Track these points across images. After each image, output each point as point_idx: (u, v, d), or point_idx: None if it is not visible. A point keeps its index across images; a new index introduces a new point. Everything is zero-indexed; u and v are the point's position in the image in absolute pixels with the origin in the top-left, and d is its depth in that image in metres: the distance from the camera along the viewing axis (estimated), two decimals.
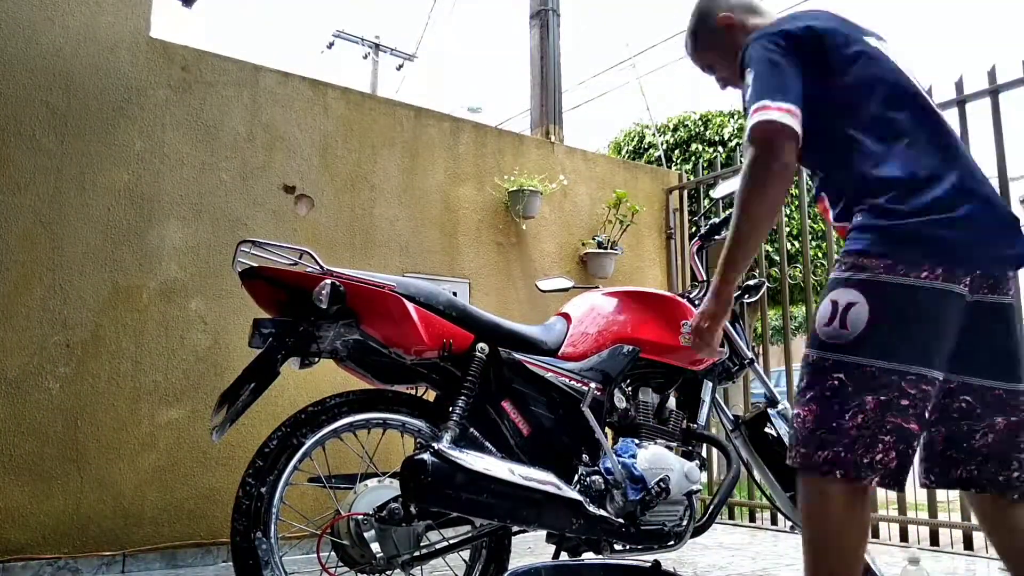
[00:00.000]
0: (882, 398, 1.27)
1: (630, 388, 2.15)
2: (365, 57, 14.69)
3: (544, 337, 2.04)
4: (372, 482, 1.83)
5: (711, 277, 2.25)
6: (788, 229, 7.39)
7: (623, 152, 8.30)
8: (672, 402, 2.18)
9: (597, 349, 2.04)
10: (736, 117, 7.78)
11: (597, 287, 2.33)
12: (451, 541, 1.86)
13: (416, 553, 1.78)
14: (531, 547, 3.23)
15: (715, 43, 1.72)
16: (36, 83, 2.86)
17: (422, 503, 1.68)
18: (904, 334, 1.30)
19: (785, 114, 1.36)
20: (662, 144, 7.74)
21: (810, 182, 7.33)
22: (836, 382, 1.31)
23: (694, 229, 4.81)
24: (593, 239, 4.29)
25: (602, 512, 1.86)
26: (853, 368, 1.30)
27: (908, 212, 1.32)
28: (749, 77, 1.44)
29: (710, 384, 2.24)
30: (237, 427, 2.90)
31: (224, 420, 1.69)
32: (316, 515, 2.90)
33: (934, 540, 3.23)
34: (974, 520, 3.12)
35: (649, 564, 1.96)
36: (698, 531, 2.06)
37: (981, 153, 3.34)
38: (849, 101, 1.45)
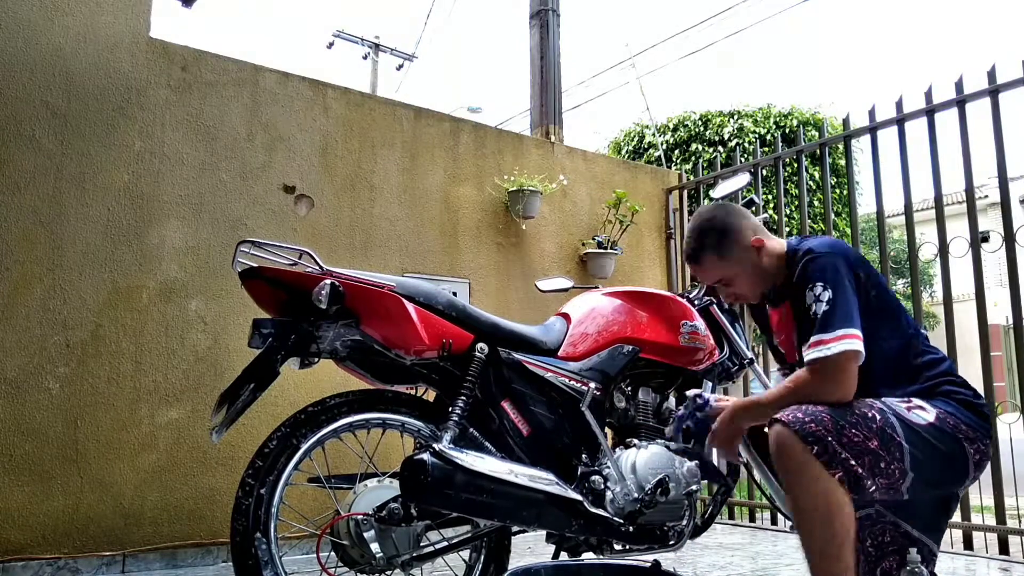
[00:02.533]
0: None
1: (630, 388, 2.15)
2: (365, 57, 14.69)
3: (544, 337, 2.04)
4: (372, 482, 1.83)
5: None
6: (788, 229, 7.39)
7: (623, 152, 8.30)
8: (672, 402, 2.18)
9: (597, 349, 2.04)
10: (736, 117, 7.77)
11: (597, 287, 2.33)
12: (451, 541, 1.86)
13: (416, 553, 1.78)
14: (531, 547, 3.23)
15: (743, 260, 1.82)
16: (36, 83, 2.86)
17: (422, 503, 1.68)
18: None
19: (860, 342, 1.59)
20: (662, 144, 7.74)
21: (810, 182, 7.34)
22: None
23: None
24: (593, 239, 4.28)
25: (602, 512, 1.86)
26: None
27: None
28: (824, 294, 1.62)
29: (710, 384, 2.24)
30: (237, 427, 2.90)
31: (224, 420, 1.69)
32: (316, 515, 2.90)
33: None
34: (975, 520, 3.13)
35: (649, 564, 1.96)
36: (697, 531, 2.06)
37: (981, 153, 3.35)
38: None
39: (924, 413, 1.61)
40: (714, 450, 1.86)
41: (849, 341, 1.57)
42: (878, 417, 1.57)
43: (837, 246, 1.70)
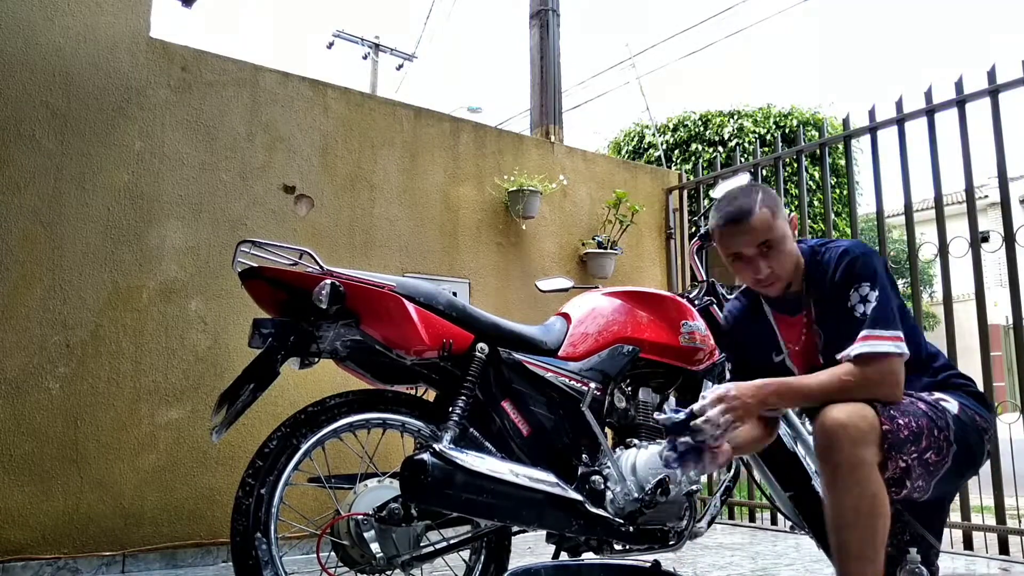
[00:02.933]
0: None
1: (630, 388, 2.15)
2: (365, 57, 14.69)
3: (544, 337, 2.04)
4: (372, 482, 1.83)
5: (711, 277, 2.25)
6: None
7: (623, 152, 8.30)
8: (672, 401, 2.18)
9: (597, 349, 2.04)
10: (735, 117, 7.77)
11: (597, 287, 2.33)
12: (451, 541, 1.86)
13: (416, 553, 1.78)
14: (531, 547, 3.23)
15: (786, 232, 1.76)
16: (36, 83, 2.86)
17: (422, 503, 1.68)
18: None
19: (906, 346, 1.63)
20: (662, 144, 7.74)
21: (810, 182, 7.33)
22: None
23: (694, 229, 4.81)
24: (593, 239, 4.28)
25: (602, 512, 1.86)
26: None
27: None
28: (872, 294, 1.63)
29: (710, 384, 2.24)
30: (237, 427, 2.89)
31: (224, 420, 1.68)
32: (316, 515, 2.90)
33: None
34: (974, 519, 3.12)
35: (649, 564, 1.96)
36: (697, 532, 2.06)
37: (981, 153, 3.35)
38: None
39: (948, 405, 1.61)
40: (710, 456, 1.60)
41: (901, 344, 1.59)
42: (924, 409, 1.58)
43: (869, 247, 1.71)
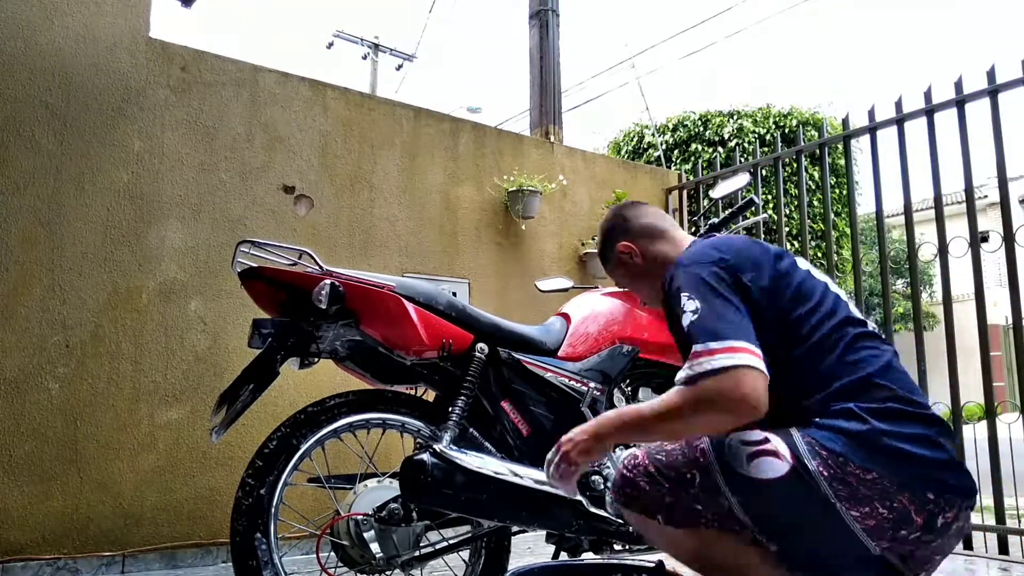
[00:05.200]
0: None
1: (630, 388, 2.15)
2: (364, 57, 14.69)
3: (544, 337, 2.04)
4: (372, 482, 1.83)
5: None
6: (788, 229, 7.39)
7: (622, 152, 8.30)
8: None
9: (597, 349, 2.04)
10: (735, 117, 7.77)
11: (597, 287, 2.33)
12: (451, 541, 1.86)
13: (416, 553, 1.78)
14: (531, 547, 3.22)
15: (622, 268, 1.69)
16: (35, 83, 2.86)
17: (422, 503, 1.68)
18: None
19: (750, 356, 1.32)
20: (661, 144, 7.74)
21: (809, 182, 7.34)
22: None
23: (693, 229, 4.81)
24: (593, 239, 4.28)
25: (602, 512, 1.86)
26: None
27: None
28: (691, 304, 1.37)
29: None
30: (236, 427, 2.90)
31: (223, 421, 1.69)
32: (316, 515, 2.90)
33: None
34: (974, 519, 3.12)
35: (653, 564, 1.96)
36: None
37: (980, 153, 3.35)
38: None
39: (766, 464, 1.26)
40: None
41: (737, 355, 1.25)
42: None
43: (706, 255, 1.42)
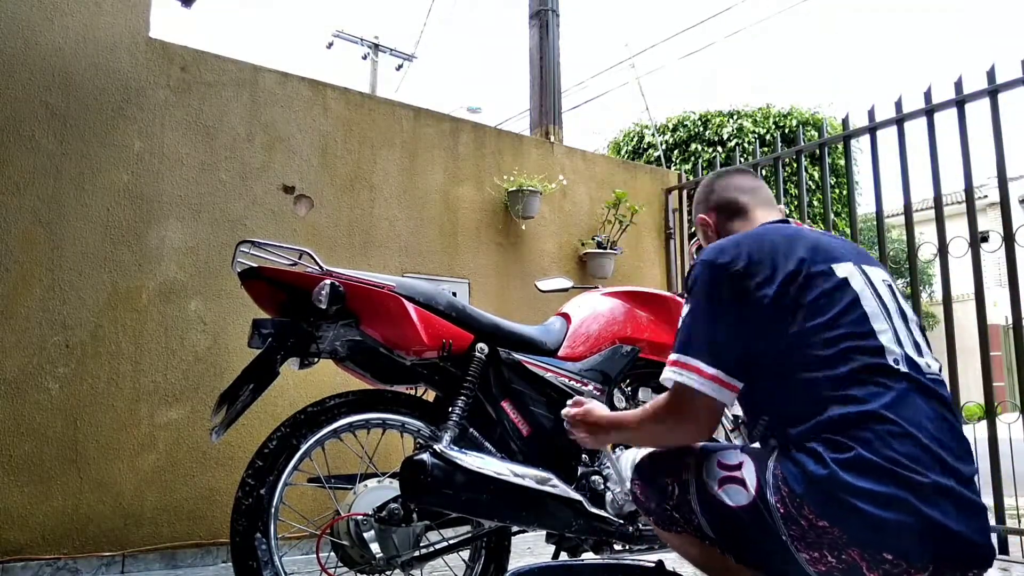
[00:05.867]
0: None
1: (630, 388, 2.15)
2: (364, 57, 14.69)
3: (544, 337, 2.04)
4: (372, 482, 1.83)
5: None
6: None
7: (622, 152, 8.30)
8: None
9: (597, 349, 2.04)
10: (735, 117, 7.77)
11: (596, 287, 2.33)
12: (451, 541, 1.86)
13: (416, 553, 1.78)
14: (531, 547, 3.22)
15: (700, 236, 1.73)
16: (35, 83, 2.86)
17: (422, 503, 1.68)
18: None
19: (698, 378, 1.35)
20: (661, 144, 7.74)
21: (809, 182, 7.33)
22: None
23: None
24: (592, 239, 4.28)
25: (602, 512, 1.86)
26: None
27: None
28: (685, 308, 1.41)
29: None
30: (236, 427, 2.89)
31: (223, 421, 1.68)
32: (316, 515, 2.90)
33: None
34: None
35: (653, 564, 1.96)
36: None
37: (980, 153, 3.35)
38: None
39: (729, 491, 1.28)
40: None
41: (694, 376, 1.28)
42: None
43: (716, 250, 1.37)
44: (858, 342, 1.23)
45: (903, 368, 1.23)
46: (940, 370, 1.31)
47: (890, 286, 1.36)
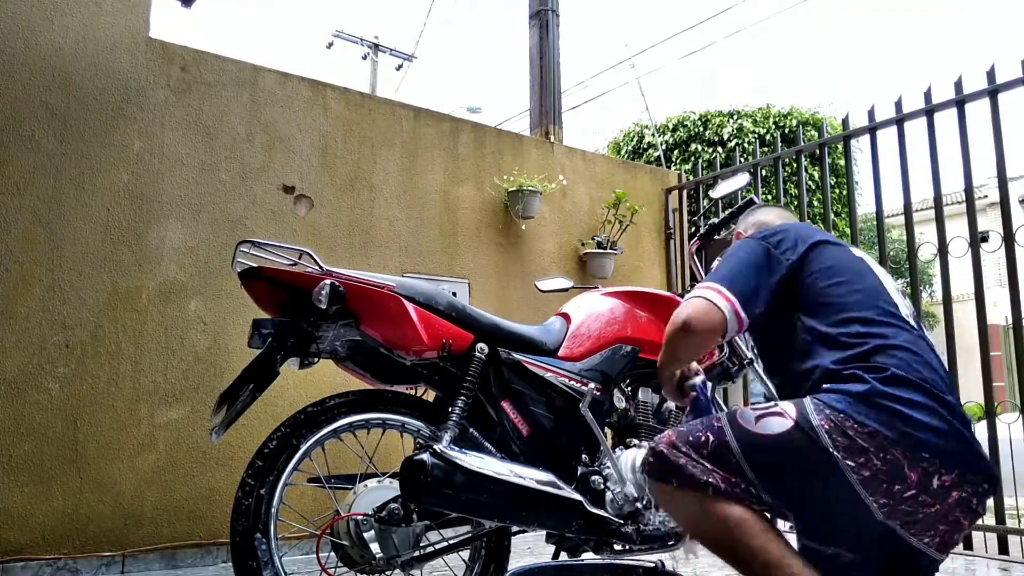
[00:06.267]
0: None
1: (630, 388, 2.15)
2: (364, 57, 14.69)
3: (544, 337, 2.04)
4: (372, 482, 1.83)
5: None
6: None
7: (622, 152, 8.31)
8: (672, 402, 2.18)
9: (597, 349, 2.04)
10: (735, 117, 7.77)
11: (596, 287, 2.33)
12: (451, 541, 1.86)
13: (416, 553, 1.78)
14: (531, 547, 3.22)
15: None
16: (35, 83, 2.86)
17: (422, 503, 1.68)
18: None
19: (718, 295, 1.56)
20: (661, 144, 7.74)
21: (809, 182, 7.34)
22: None
23: (693, 229, 4.81)
24: (592, 239, 4.29)
25: (602, 512, 1.86)
26: None
27: None
28: (719, 262, 1.63)
29: (710, 384, 2.23)
30: (236, 427, 2.90)
31: (223, 421, 1.68)
32: (316, 515, 2.90)
33: None
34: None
35: (653, 564, 1.96)
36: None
37: (980, 153, 3.35)
38: None
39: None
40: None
41: (710, 291, 1.49)
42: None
43: (761, 236, 1.61)
44: (876, 296, 1.47)
45: (912, 322, 1.46)
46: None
47: (887, 275, 1.60)
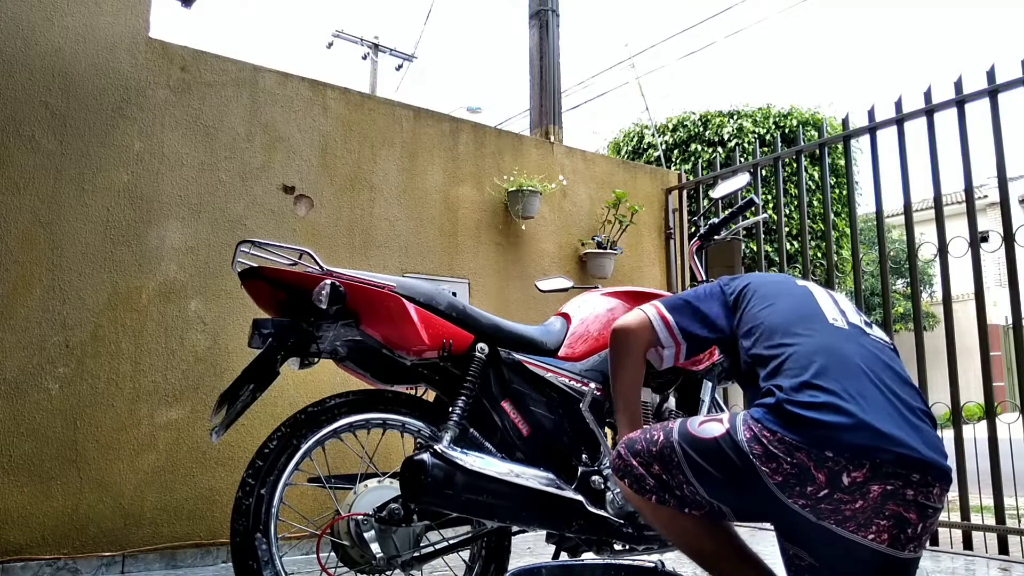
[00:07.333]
0: None
1: None
2: (364, 57, 14.69)
3: (544, 337, 2.04)
4: (372, 482, 1.83)
5: (710, 277, 2.29)
6: (788, 229, 7.38)
7: (622, 152, 8.31)
8: (672, 402, 2.18)
9: (597, 349, 2.04)
10: (735, 117, 7.77)
11: (596, 287, 2.33)
12: (451, 541, 1.86)
13: (416, 553, 1.78)
14: (531, 547, 3.23)
15: None
16: (35, 83, 2.86)
17: (422, 503, 1.67)
18: None
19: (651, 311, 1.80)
20: (661, 144, 7.74)
21: (809, 182, 7.34)
22: None
23: (693, 229, 4.81)
24: (592, 239, 4.29)
25: (602, 512, 1.86)
26: None
27: None
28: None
29: (710, 384, 2.24)
30: (237, 427, 2.90)
31: (223, 421, 1.68)
32: (316, 515, 2.90)
33: (934, 540, 3.23)
34: (974, 519, 3.12)
35: (653, 564, 1.96)
36: None
37: (980, 153, 3.35)
38: None
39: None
40: None
41: (648, 308, 1.72)
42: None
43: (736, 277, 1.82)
44: (803, 311, 1.58)
45: (843, 324, 1.55)
46: (890, 344, 1.61)
47: (825, 291, 1.72)
